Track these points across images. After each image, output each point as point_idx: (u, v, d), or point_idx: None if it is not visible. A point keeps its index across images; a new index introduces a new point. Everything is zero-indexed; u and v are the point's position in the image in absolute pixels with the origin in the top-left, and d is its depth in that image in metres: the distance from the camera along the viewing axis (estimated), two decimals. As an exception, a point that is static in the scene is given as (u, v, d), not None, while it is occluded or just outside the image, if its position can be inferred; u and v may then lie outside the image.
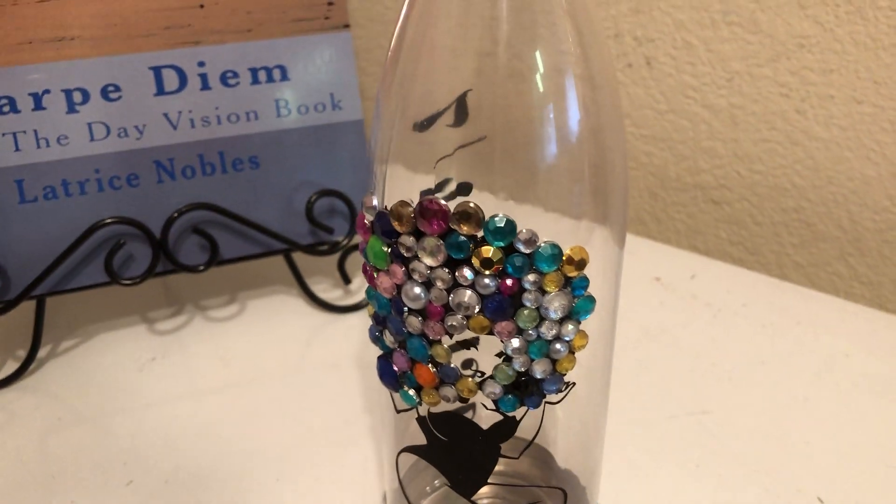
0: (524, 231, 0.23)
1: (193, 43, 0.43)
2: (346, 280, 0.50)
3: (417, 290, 0.25)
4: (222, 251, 0.45)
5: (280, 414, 0.42)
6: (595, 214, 0.26)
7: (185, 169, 0.44)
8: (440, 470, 0.29)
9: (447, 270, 0.24)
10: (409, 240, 0.24)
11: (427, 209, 0.23)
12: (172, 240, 0.43)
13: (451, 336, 0.25)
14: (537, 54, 0.24)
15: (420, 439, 0.32)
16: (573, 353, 0.26)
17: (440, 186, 0.27)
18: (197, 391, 0.44)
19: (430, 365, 0.26)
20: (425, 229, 0.24)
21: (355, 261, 0.53)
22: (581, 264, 0.24)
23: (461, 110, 0.26)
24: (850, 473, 0.39)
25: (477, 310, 0.24)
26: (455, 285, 0.24)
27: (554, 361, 0.26)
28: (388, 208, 0.25)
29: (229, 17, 0.43)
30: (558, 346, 0.25)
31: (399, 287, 0.25)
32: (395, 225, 0.24)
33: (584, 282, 0.25)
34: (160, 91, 0.43)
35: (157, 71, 0.43)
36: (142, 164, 0.43)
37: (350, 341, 0.48)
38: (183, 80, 0.43)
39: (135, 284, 0.42)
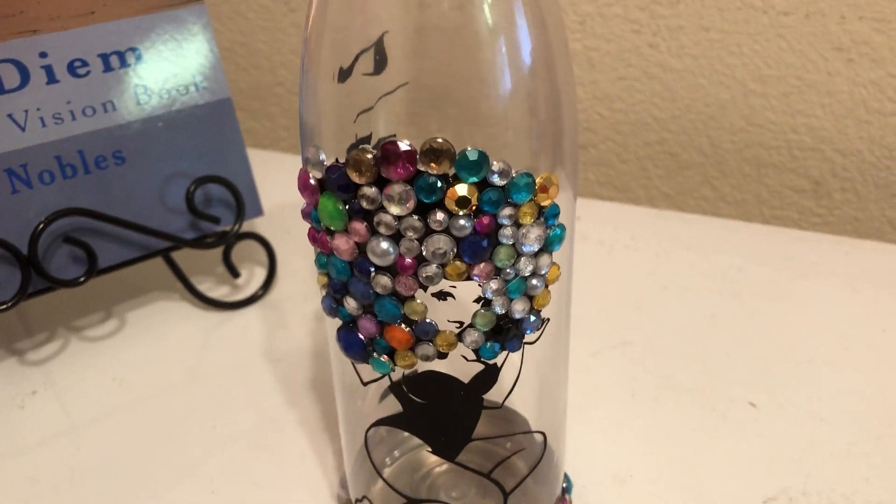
0: (496, 162, 0.22)
1: (30, 32, 0.38)
2: (235, 273, 0.47)
3: (385, 244, 0.23)
4: (99, 260, 0.40)
5: (197, 424, 0.39)
6: (550, 154, 0.25)
7: (42, 174, 0.39)
8: (419, 436, 0.27)
9: (417, 217, 0.22)
10: (371, 191, 0.22)
11: (391, 152, 0.22)
12: (41, 254, 0.39)
13: (425, 289, 0.24)
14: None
15: (377, 412, 0.30)
16: (547, 287, 0.25)
17: (363, 141, 0.25)
18: (96, 417, 0.40)
19: (402, 325, 0.24)
20: (390, 175, 0.22)
21: (240, 251, 0.50)
22: (553, 191, 0.23)
23: (380, 56, 0.24)
24: (772, 374, 0.40)
25: (452, 255, 0.23)
26: (427, 233, 0.23)
27: (531, 298, 0.25)
28: (345, 159, 0.22)
29: (67, 0, 0.39)
30: (535, 281, 0.24)
31: (361, 245, 0.23)
32: (354, 176, 0.22)
33: (556, 209, 0.24)
34: (0, 90, 0.38)
35: (-8, 67, 0.38)
36: (-10, 174, 0.38)
37: (252, 337, 0.45)
38: (24, 74, 0.38)
39: (7, 310, 0.37)
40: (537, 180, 0.23)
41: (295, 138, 0.71)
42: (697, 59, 0.55)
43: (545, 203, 0.23)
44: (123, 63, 0.40)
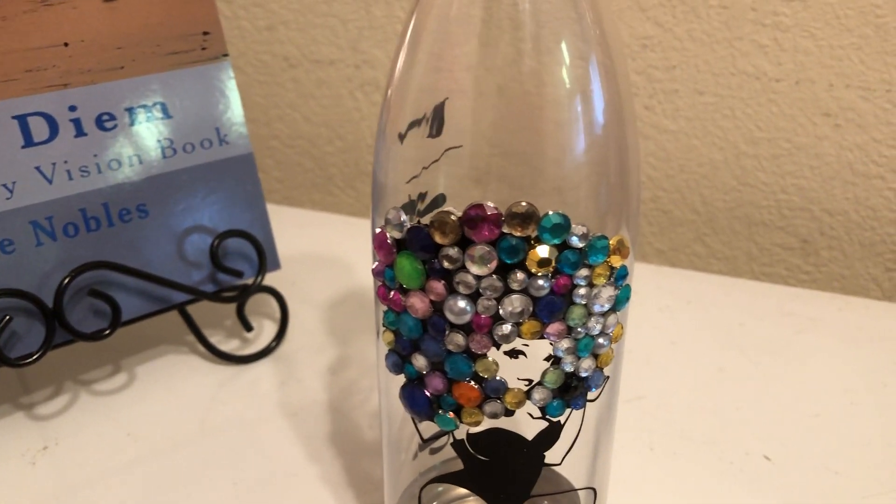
0: (578, 226, 0.23)
1: (61, 86, 0.38)
2: (248, 327, 0.46)
3: (463, 303, 0.23)
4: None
5: (216, 479, 0.38)
6: (617, 215, 0.25)
7: (66, 227, 0.39)
8: (478, 493, 0.27)
9: (497, 277, 0.23)
10: (454, 251, 0.23)
11: (476, 216, 0.22)
12: (66, 307, 0.38)
13: (498, 347, 0.24)
14: (563, 46, 0.24)
15: (414, 466, 0.31)
16: (612, 345, 0.26)
17: (420, 198, 0.26)
18: (111, 472, 0.39)
19: (472, 382, 0.25)
20: (475, 237, 0.23)
21: (249, 305, 0.49)
22: (625, 253, 0.24)
23: (438, 121, 0.25)
24: (783, 428, 0.41)
25: (528, 314, 0.23)
26: (505, 292, 0.23)
27: (596, 357, 0.25)
28: (428, 221, 0.23)
29: (98, 55, 0.39)
30: (601, 340, 0.25)
31: (436, 304, 0.24)
32: (437, 237, 0.23)
33: (625, 271, 0.25)
34: (28, 142, 0.38)
35: (22, 120, 0.37)
36: (15, 226, 0.37)
37: (265, 390, 0.44)
38: (54, 127, 0.38)
39: (31, 363, 0.37)
40: (611, 242, 0.24)
41: (288, 190, 0.71)
42: (691, 121, 0.57)
43: (617, 265, 0.24)
44: (150, 117, 0.41)
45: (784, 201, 0.57)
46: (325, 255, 0.59)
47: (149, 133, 0.41)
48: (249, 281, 0.44)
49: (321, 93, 0.66)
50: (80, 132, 0.39)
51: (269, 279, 0.52)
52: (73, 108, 0.39)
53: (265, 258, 0.44)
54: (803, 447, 0.40)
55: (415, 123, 0.25)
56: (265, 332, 0.49)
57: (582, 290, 0.24)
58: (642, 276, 0.55)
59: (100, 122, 0.39)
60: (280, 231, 0.53)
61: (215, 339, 0.48)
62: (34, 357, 0.37)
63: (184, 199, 0.42)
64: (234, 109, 0.43)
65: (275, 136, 0.69)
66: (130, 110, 0.40)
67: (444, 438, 0.33)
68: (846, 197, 0.56)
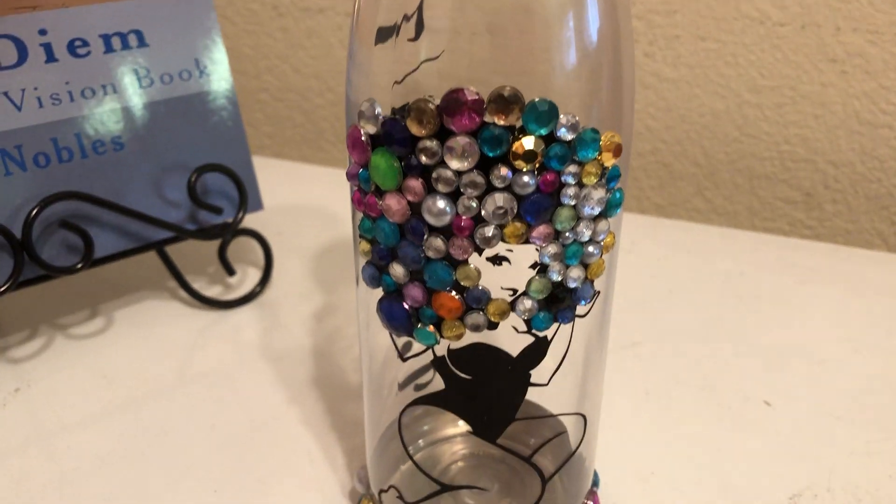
0: (565, 116, 0.21)
1: (30, 8, 0.36)
2: (231, 271, 0.45)
3: (442, 203, 0.22)
4: (95, 249, 0.38)
5: (195, 422, 0.37)
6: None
7: (37, 157, 0.37)
8: (460, 415, 0.26)
9: (478, 173, 0.21)
10: (432, 143, 0.21)
11: (457, 101, 0.21)
12: (35, 240, 0.36)
13: (480, 252, 0.23)
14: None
15: (399, 405, 0.29)
16: (602, 256, 0.24)
17: (400, 111, 0.24)
18: (86, 416, 0.37)
19: (452, 292, 0.23)
20: (454, 127, 0.21)
21: (231, 251, 0.48)
22: (618, 151, 0.22)
23: (418, 20, 0.24)
24: (784, 375, 0.40)
25: (512, 215, 0.22)
26: (487, 190, 0.22)
27: (586, 267, 0.24)
28: (405, 109, 0.21)
29: (70, -23, 0.37)
30: (591, 248, 0.23)
31: (414, 206, 0.22)
32: (414, 128, 0.21)
33: (617, 171, 0.23)
34: (-4, 66, 0.36)
35: (-12, 42, 0.36)
36: (-17, 154, 0.36)
37: (248, 336, 0.43)
38: (23, 51, 0.36)
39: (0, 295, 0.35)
40: (602, 138, 0.22)
41: (278, 146, 0.70)
42: (693, 68, 0.55)
43: (609, 163, 0.22)
44: (125, 45, 0.39)
45: (787, 152, 0.56)
46: (313, 207, 0.57)
47: (124, 61, 0.39)
48: (230, 220, 0.42)
49: (311, 43, 0.64)
50: (50, 58, 0.37)
51: (255, 228, 0.50)
52: (43, 32, 0.37)
53: (245, 194, 0.42)
54: (805, 394, 0.39)
55: (388, 31, 0.23)
56: (249, 278, 0.48)
57: (570, 190, 0.22)
58: (640, 226, 0.53)
59: (72, 48, 0.38)
60: (268, 183, 0.51)
61: (197, 285, 0.46)
62: (1, 290, 0.35)
63: (161, 132, 0.40)
64: (215, 40, 0.41)
65: (264, 88, 0.67)
66: (105, 37, 0.38)
67: (429, 374, 0.32)
68: (852, 147, 0.54)
